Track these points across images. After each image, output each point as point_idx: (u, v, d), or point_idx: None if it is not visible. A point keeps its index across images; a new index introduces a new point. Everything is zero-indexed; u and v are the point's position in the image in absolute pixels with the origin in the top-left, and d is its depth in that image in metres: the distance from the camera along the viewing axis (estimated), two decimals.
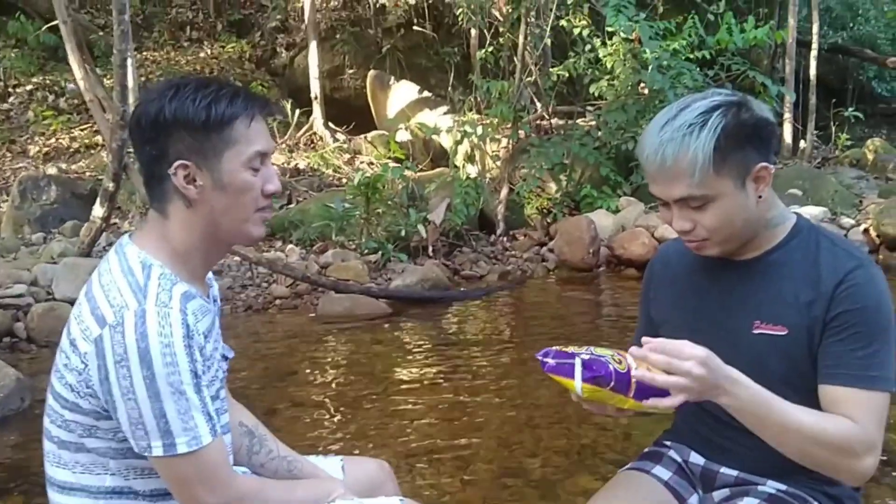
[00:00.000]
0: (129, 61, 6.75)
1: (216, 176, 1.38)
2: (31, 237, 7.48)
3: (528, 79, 8.78)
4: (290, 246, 7.17)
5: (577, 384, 1.34)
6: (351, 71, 11.51)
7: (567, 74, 8.70)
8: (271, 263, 6.33)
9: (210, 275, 1.57)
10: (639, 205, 7.55)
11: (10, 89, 10.57)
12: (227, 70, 11.09)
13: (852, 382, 1.43)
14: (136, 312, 1.29)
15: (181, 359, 1.29)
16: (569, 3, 8.19)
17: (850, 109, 10.90)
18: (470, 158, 8.56)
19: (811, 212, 7.12)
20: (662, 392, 1.35)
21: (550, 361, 1.37)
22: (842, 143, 10.91)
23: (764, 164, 1.48)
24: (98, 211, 6.47)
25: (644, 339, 1.37)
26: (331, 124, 10.60)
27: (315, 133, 10.56)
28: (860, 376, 1.43)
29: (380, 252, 6.81)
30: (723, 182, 1.45)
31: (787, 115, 10.76)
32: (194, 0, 11.97)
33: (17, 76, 10.65)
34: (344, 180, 9.12)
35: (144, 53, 11.12)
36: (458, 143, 8.40)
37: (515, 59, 8.69)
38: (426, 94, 10.59)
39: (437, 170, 8.89)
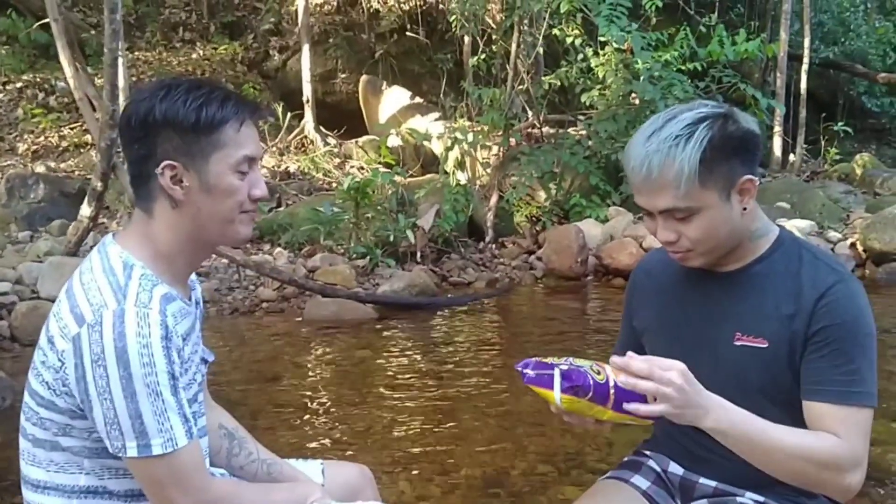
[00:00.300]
0: (120, 61, 6.73)
1: (203, 178, 1.38)
2: (18, 235, 7.43)
3: (520, 87, 8.80)
4: (279, 249, 7.15)
5: (556, 395, 1.33)
6: (343, 75, 11.51)
7: (559, 83, 8.72)
8: (259, 266, 6.31)
9: (193, 277, 1.57)
10: (627, 215, 7.57)
11: None
12: (219, 72, 11.06)
13: (836, 399, 1.44)
14: (115, 312, 1.28)
15: (159, 360, 1.28)
16: (562, 12, 8.21)
17: (840, 124, 10.97)
18: (460, 165, 8.56)
19: (799, 225, 7.15)
20: (643, 401, 1.36)
21: (530, 373, 1.37)
22: (831, 158, 10.96)
23: (749, 176, 1.48)
24: (86, 210, 6.44)
25: (628, 353, 1.37)
26: (322, 128, 10.59)
27: (306, 136, 10.55)
28: (843, 392, 1.43)
29: (368, 257, 6.80)
30: (708, 194, 1.46)
31: (778, 129, 10.82)
32: (187, 1, 11.94)
33: (7, 73, 10.58)
34: (334, 184, 9.10)
35: (136, 53, 11.09)
36: (448, 149, 8.40)
37: (508, 66, 8.72)
38: (418, 99, 10.60)
39: (428, 176, 8.90)
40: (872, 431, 1.47)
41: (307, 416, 3.92)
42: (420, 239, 7.11)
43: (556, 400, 1.34)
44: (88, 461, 1.38)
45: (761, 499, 1.58)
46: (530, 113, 9.27)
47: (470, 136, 8.25)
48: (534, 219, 8.05)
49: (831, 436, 1.42)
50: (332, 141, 10.51)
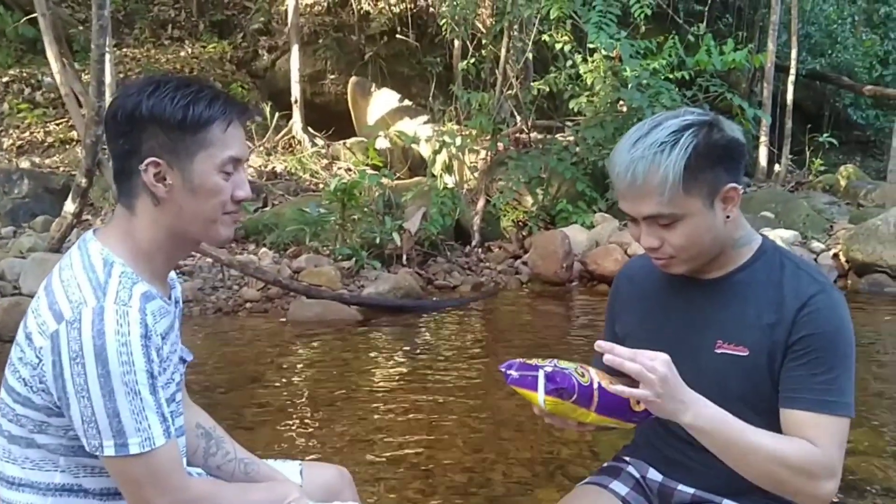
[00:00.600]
0: (108, 57, 6.70)
1: (187, 177, 1.37)
2: (1, 231, 7.39)
3: (509, 92, 8.82)
4: (264, 249, 7.13)
5: (539, 397, 1.33)
6: (332, 76, 11.50)
7: (547, 89, 8.75)
8: (243, 266, 6.29)
9: (174, 276, 1.56)
10: (613, 221, 7.60)
11: None
12: (208, 70, 11.03)
13: (813, 407, 1.44)
14: (95, 310, 1.27)
15: (137, 358, 1.27)
16: (551, 18, 8.24)
17: (826, 135, 11.07)
18: (448, 169, 8.57)
19: (783, 235, 7.19)
20: (624, 409, 1.36)
21: (514, 374, 1.36)
22: (815, 169, 11.05)
23: (733, 184, 1.49)
24: (70, 206, 6.40)
25: (610, 344, 1.37)
26: (310, 129, 10.58)
27: (294, 137, 10.53)
28: (821, 401, 1.44)
29: (353, 259, 6.79)
30: (692, 201, 1.46)
31: (763, 139, 10.90)
32: None
33: None
34: (321, 185, 9.10)
35: (124, 50, 11.04)
36: (436, 152, 8.41)
37: (497, 71, 8.74)
38: (407, 102, 10.61)
39: (415, 179, 8.90)
40: (850, 441, 1.48)
41: (288, 418, 3.90)
42: (406, 241, 7.10)
43: (539, 401, 1.34)
44: (64, 459, 1.37)
45: None
46: (518, 118, 9.30)
47: (458, 140, 8.26)
48: (520, 224, 8.06)
49: (807, 443, 1.42)
50: (319, 142, 10.49)
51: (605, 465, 1.83)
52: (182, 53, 11.34)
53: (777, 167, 11.20)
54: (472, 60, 8.96)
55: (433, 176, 8.39)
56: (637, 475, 1.75)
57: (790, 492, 1.45)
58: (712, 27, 10.44)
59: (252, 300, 6.15)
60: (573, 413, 1.36)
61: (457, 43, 9.91)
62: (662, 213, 1.46)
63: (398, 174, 9.20)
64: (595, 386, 1.35)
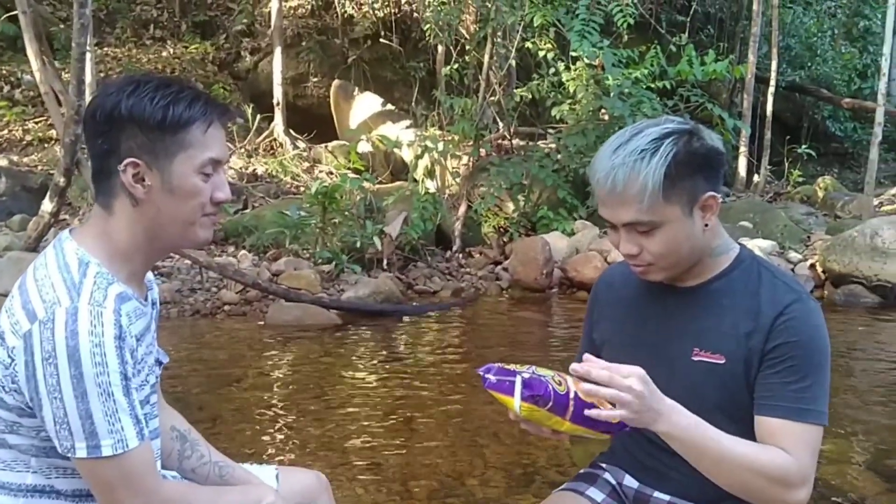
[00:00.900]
0: (88, 56, 6.65)
1: (166, 178, 1.36)
2: None
3: (492, 98, 8.84)
4: (243, 251, 7.09)
5: (515, 402, 1.33)
6: (315, 79, 11.48)
7: (530, 96, 8.77)
8: (222, 268, 6.25)
9: (151, 277, 1.54)
10: (593, 229, 7.63)
11: None
12: (189, 71, 10.97)
13: (787, 415, 1.45)
14: (68, 310, 1.26)
15: (111, 360, 1.26)
16: (535, 25, 8.28)
17: (804, 147, 11.18)
18: (430, 174, 8.56)
19: (760, 245, 7.25)
20: (599, 420, 1.36)
21: (491, 378, 1.36)
22: (794, 180, 11.17)
23: (712, 193, 1.50)
24: (47, 206, 6.34)
25: (585, 355, 1.38)
26: (292, 131, 10.54)
27: (275, 139, 10.49)
28: (794, 409, 1.45)
29: (334, 262, 6.76)
30: (671, 209, 1.47)
31: (743, 149, 10.99)
32: None
33: None
34: (302, 188, 9.06)
35: (105, 49, 10.95)
36: (418, 157, 8.41)
37: (480, 77, 8.75)
38: (389, 106, 10.61)
39: (397, 183, 8.89)
40: (823, 450, 1.50)
41: (265, 421, 3.88)
42: (387, 246, 7.09)
43: (515, 407, 1.34)
44: (36, 460, 1.35)
45: None
46: (501, 124, 9.32)
47: (440, 145, 8.26)
48: (501, 230, 8.07)
49: (780, 451, 1.43)
50: (301, 144, 10.46)
51: (582, 471, 1.83)
52: (164, 54, 11.28)
53: (756, 177, 11.30)
54: (456, 66, 8.98)
55: (415, 181, 8.39)
56: (613, 482, 1.75)
57: (763, 500, 1.46)
58: (694, 38, 10.54)
59: (230, 303, 6.11)
60: (548, 421, 1.36)
61: (440, 48, 9.93)
62: (642, 220, 1.47)
63: (380, 178, 9.19)
64: (571, 395, 1.35)
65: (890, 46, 9.81)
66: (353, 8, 11.36)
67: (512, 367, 1.38)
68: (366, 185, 7.69)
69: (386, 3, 11.23)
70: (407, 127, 9.83)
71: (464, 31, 9.23)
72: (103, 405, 1.25)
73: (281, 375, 4.71)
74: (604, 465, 1.80)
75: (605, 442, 1.78)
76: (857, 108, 13.13)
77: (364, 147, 9.51)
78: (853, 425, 3.88)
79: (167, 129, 1.34)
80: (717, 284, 1.57)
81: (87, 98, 6.17)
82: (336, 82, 10.86)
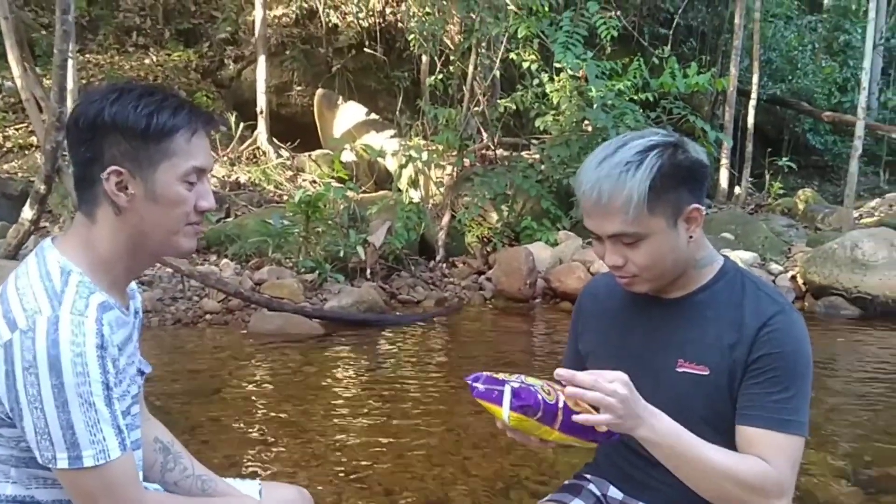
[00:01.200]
0: (70, 63, 6.61)
1: (149, 186, 1.35)
2: None
3: (476, 108, 8.87)
4: (225, 260, 7.05)
5: (504, 412, 1.33)
6: (299, 88, 11.47)
7: (514, 107, 8.81)
8: (204, 277, 6.21)
9: (134, 286, 1.53)
10: (577, 239, 7.65)
11: None
12: (172, 78, 10.93)
13: (767, 425, 1.46)
14: (50, 319, 1.24)
15: (93, 369, 1.24)
16: (519, 37, 8.32)
17: (785, 159, 11.29)
18: (414, 183, 8.57)
19: (742, 256, 7.29)
20: (587, 428, 1.36)
21: (480, 387, 1.36)
22: (775, 192, 11.27)
23: (696, 205, 1.51)
24: (27, 213, 6.29)
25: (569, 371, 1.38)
26: (275, 140, 10.52)
27: (258, 148, 10.47)
28: (775, 419, 1.46)
29: (317, 271, 6.74)
30: (655, 221, 1.47)
31: (725, 161, 11.08)
32: (143, 6, 11.78)
33: None
34: (285, 197, 9.05)
35: (87, 56, 10.90)
36: (402, 167, 8.41)
37: (464, 88, 8.79)
38: (374, 116, 10.62)
39: (381, 192, 8.89)
40: (804, 461, 1.50)
41: (247, 433, 3.85)
42: (370, 255, 7.08)
43: (504, 416, 1.33)
44: (16, 470, 1.33)
45: None
46: (485, 135, 9.35)
47: (424, 155, 8.27)
48: (485, 240, 8.09)
49: (761, 461, 1.44)
50: (284, 153, 10.44)
51: (566, 482, 1.83)
52: (147, 61, 11.23)
53: (737, 189, 11.39)
54: (440, 76, 9.00)
55: (399, 190, 8.39)
56: (598, 493, 1.75)
57: None
58: (676, 51, 10.62)
59: (212, 312, 6.07)
60: (536, 430, 1.36)
61: (425, 58, 9.96)
62: (627, 231, 1.48)
63: (363, 187, 9.19)
64: (560, 405, 1.35)
65: (870, 60, 9.95)
66: (337, 17, 11.39)
67: (501, 375, 1.37)
68: (349, 194, 7.68)
69: (370, 13, 11.26)
70: (391, 136, 9.85)
71: (448, 42, 9.27)
72: (85, 415, 1.23)
73: (263, 385, 4.68)
74: (588, 477, 1.80)
75: (589, 452, 1.78)
76: (837, 121, 13.27)
77: (348, 156, 9.50)
78: (833, 437, 3.90)
79: (151, 137, 1.33)
80: (702, 296, 1.58)
81: (69, 105, 6.13)
82: (320, 91, 10.86)
